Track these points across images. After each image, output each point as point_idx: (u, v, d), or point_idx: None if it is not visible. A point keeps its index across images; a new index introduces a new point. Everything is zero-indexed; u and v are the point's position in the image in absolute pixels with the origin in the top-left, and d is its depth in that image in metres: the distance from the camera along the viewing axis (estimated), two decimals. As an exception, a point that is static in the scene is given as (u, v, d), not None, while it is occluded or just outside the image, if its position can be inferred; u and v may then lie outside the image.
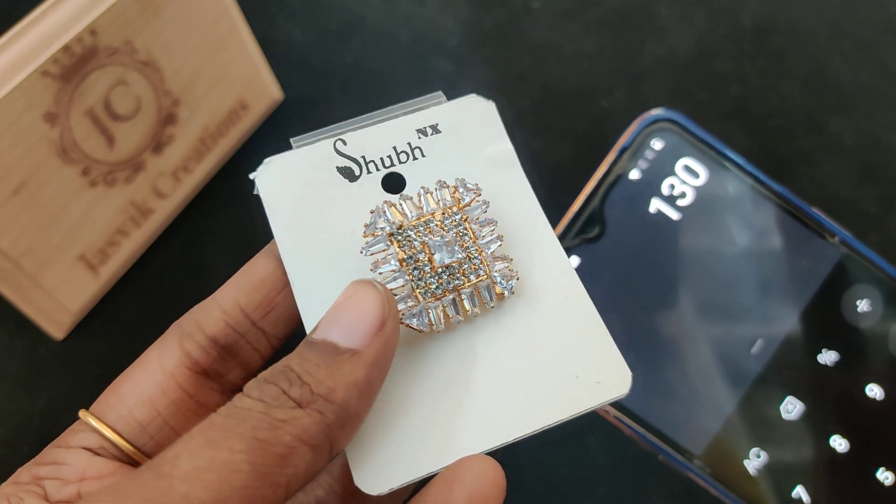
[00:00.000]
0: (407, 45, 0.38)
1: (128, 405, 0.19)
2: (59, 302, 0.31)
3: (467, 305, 0.19)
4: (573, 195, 0.35)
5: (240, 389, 0.18)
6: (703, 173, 0.24)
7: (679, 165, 0.24)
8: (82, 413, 0.20)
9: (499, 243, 0.20)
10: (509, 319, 0.20)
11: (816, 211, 0.24)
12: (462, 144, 0.21)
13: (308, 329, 0.19)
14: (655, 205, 0.24)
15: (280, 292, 0.21)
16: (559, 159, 0.35)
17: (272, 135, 0.36)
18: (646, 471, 0.31)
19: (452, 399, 0.19)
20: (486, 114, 0.22)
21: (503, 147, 0.22)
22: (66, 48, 0.27)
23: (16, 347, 0.33)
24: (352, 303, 0.17)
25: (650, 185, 0.24)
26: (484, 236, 0.20)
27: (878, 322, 0.23)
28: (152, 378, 0.20)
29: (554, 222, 0.29)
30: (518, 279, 0.20)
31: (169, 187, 0.33)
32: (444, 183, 0.20)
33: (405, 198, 0.20)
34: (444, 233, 0.19)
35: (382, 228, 0.19)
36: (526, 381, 0.19)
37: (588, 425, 0.31)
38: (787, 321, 0.23)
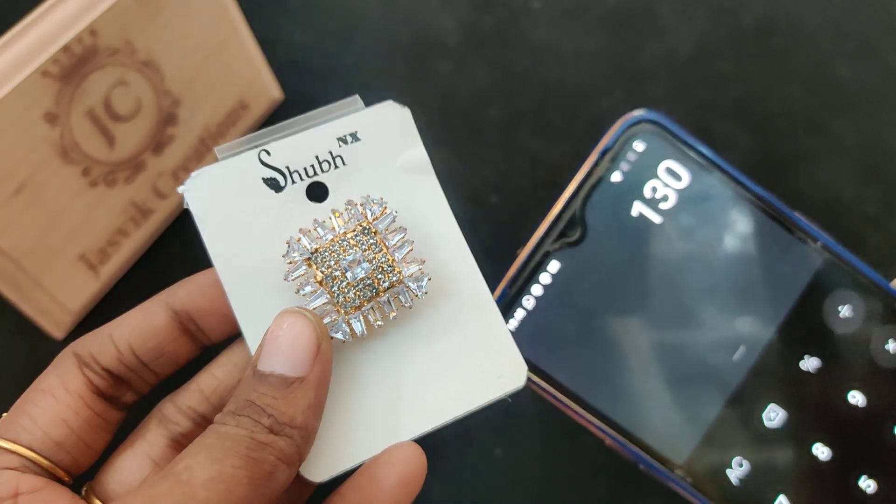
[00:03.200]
0: (407, 45, 0.38)
1: (41, 426, 0.22)
2: (59, 302, 0.31)
3: (386, 310, 0.21)
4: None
5: (129, 406, 0.23)
6: (686, 176, 0.23)
7: (661, 168, 0.23)
8: None
9: (409, 248, 0.21)
10: (424, 319, 0.22)
11: (799, 216, 0.23)
12: (380, 152, 0.23)
13: (250, 345, 0.21)
14: (637, 208, 0.23)
15: (173, 342, 0.23)
16: (559, 159, 0.35)
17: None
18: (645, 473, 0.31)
19: (378, 396, 0.21)
20: (403, 121, 0.23)
21: (418, 154, 0.23)
22: (66, 48, 0.27)
23: (16, 347, 0.33)
24: (287, 333, 0.20)
25: (632, 188, 0.23)
26: (395, 244, 0.21)
27: (859, 328, 0.23)
28: (62, 401, 0.22)
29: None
30: (430, 279, 0.21)
31: (169, 187, 0.33)
32: (352, 201, 0.21)
33: (317, 223, 0.21)
34: (357, 248, 0.21)
35: (301, 254, 0.21)
36: (439, 376, 0.21)
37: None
38: (769, 327, 0.23)
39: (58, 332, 0.32)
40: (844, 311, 0.23)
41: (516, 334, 0.23)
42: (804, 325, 0.23)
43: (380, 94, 0.37)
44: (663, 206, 0.23)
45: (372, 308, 0.21)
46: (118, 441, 0.24)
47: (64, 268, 0.31)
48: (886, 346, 0.23)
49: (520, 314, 0.23)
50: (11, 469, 0.21)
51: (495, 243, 0.34)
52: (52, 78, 0.28)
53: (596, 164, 0.23)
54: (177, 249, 0.34)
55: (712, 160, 0.23)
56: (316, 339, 0.20)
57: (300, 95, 0.37)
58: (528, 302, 0.24)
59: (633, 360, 0.23)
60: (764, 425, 0.23)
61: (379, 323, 0.21)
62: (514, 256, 0.29)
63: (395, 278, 0.21)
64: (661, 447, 0.23)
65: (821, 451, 0.23)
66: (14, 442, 0.21)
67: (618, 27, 0.38)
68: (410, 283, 0.21)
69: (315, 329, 0.20)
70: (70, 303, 0.32)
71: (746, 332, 0.23)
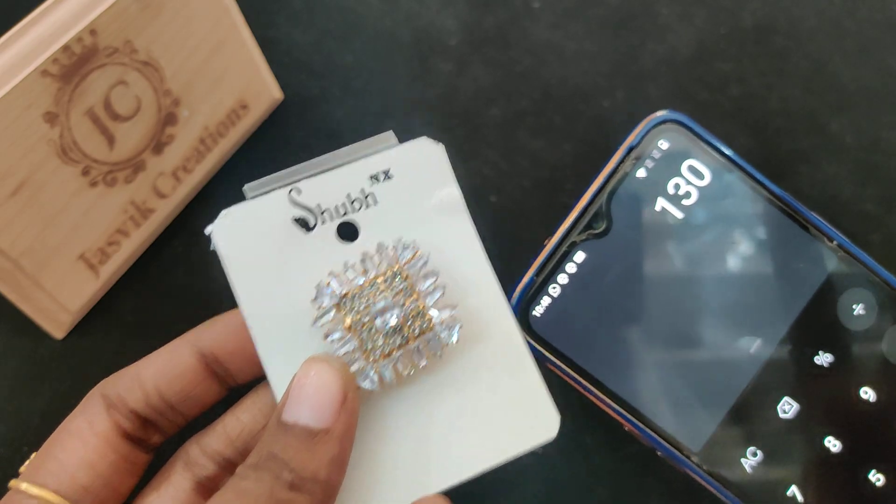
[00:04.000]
0: (407, 45, 0.38)
1: (69, 470, 0.21)
2: (58, 302, 0.31)
3: (416, 358, 0.20)
4: (573, 196, 0.35)
5: (155, 448, 0.22)
6: (708, 175, 0.24)
7: (684, 166, 0.24)
8: (14, 483, 0.21)
9: (440, 293, 0.20)
10: (454, 365, 0.21)
11: (816, 215, 0.24)
12: (413, 190, 0.22)
13: (276, 391, 0.21)
14: (661, 203, 0.24)
15: (200, 384, 0.23)
16: (559, 159, 0.35)
17: (272, 135, 0.36)
18: (645, 470, 0.31)
19: (405, 445, 0.20)
20: (436, 158, 0.22)
21: (451, 192, 0.22)
22: (65, 48, 0.27)
23: (16, 347, 0.33)
24: (313, 382, 0.19)
25: (656, 185, 0.24)
26: (426, 290, 0.20)
27: (872, 326, 0.23)
28: (89, 443, 0.22)
29: (554, 223, 0.29)
30: (462, 326, 0.20)
31: (169, 187, 0.33)
32: (383, 244, 0.21)
33: (347, 265, 0.21)
34: (387, 293, 0.20)
35: (330, 300, 0.20)
36: (469, 425, 0.20)
37: (587, 424, 0.31)
38: (785, 322, 0.23)
39: (57, 332, 0.32)
40: (858, 308, 0.23)
41: (543, 318, 0.23)
42: (819, 321, 0.23)
43: (380, 94, 0.37)
44: (685, 202, 0.24)
45: (402, 356, 0.20)
46: (144, 482, 0.24)
47: (63, 268, 0.31)
48: None
49: (545, 301, 0.24)
50: None
51: (495, 243, 0.34)
52: (51, 77, 0.27)
53: (622, 161, 0.24)
54: (177, 249, 0.34)
55: (733, 160, 0.24)
56: (342, 388, 0.19)
57: (300, 95, 0.37)
58: (554, 290, 0.24)
59: (654, 349, 0.24)
60: (778, 417, 0.23)
61: (409, 372, 0.20)
62: (516, 254, 0.29)
63: (425, 325, 0.20)
64: (678, 434, 0.23)
65: (832, 444, 0.23)
66: (42, 486, 0.21)
67: (618, 27, 0.38)
68: (441, 331, 0.20)
69: (342, 378, 0.19)
70: (70, 303, 0.32)
71: (763, 326, 0.23)
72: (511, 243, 0.34)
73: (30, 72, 0.27)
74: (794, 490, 0.23)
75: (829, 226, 0.24)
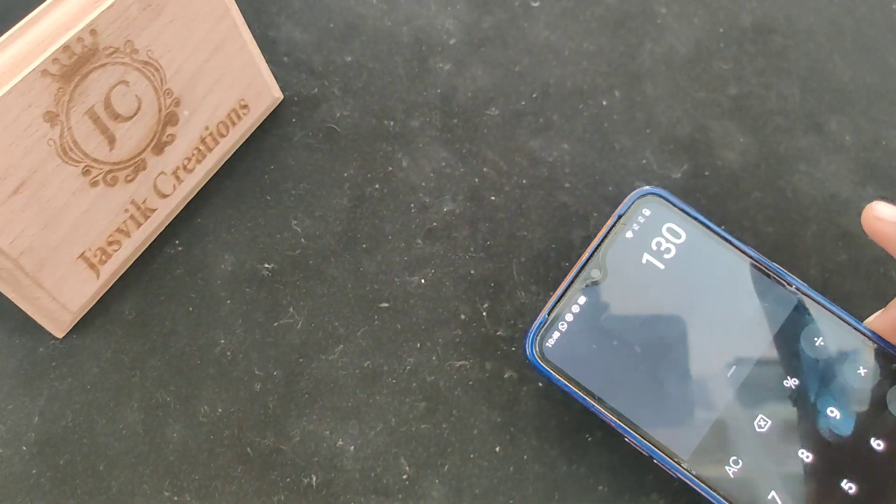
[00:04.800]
0: (407, 45, 0.38)
1: None
2: (59, 301, 0.31)
3: None
4: (573, 195, 0.35)
5: None
6: (684, 234, 0.30)
7: (664, 228, 0.30)
8: None
9: None
10: None
11: (777, 265, 0.29)
12: None
13: None
14: (646, 257, 0.30)
15: None
16: (558, 158, 0.35)
17: (272, 134, 0.37)
18: (645, 469, 0.31)
19: None
20: None
21: None
22: (66, 48, 0.27)
23: (16, 346, 0.33)
24: None
25: (642, 242, 0.30)
26: None
27: (832, 355, 0.28)
28: None
29: (553, 221, 0.29)
30: None
31: (169, 187, 0.33)
32: None
33: None
34: None
35: None
36: None
37: (587, 423, 0.31)
38: (756, 352, 0.28)
39: (58, 332, 0.32)
40: (818, 340, 0.28)
41: (554, 349, 0.29)
42: (785, 351, 0.28)
43: (380, 94, 0.37)
44: (666, 256, 0.30)
45: None
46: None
47: (64, 267, 0.31)
48: (858, 371, 0.27)
49: (556, 335, 0.29)
50: None
51: (495, 243, 0.34)
52: (51, 77, 0.28)
53: (613, 225, 0.30)
54: (177, 248, 0.34)
55: (703, 223, 0.30)
56: None
57: (300, 95, 0.37)
58: (563, 326, 0.29)
59: (647, 373, 0.28)
60: (755, 431, 0.27)
61: None
62: (516, 254, 0.31)
63: None
64: (670, 444, 0.28)
65: (805, 456, 0.27)
66: None
67: (617, 26, 0.38)
68: None
69: None
70: (70, 302, 0.32)
71: (738, 354, 0.28)
72: (510, 241, 0.34)
73: (30, 71, 0.27)
74: (773, 495, 0.26)
75: (787, 273, 0.29)
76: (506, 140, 0.36)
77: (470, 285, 0.33)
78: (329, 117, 0.37)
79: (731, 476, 0.27)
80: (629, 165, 0.35)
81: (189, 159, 0.34)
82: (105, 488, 0.31)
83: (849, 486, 0.26)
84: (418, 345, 0.33)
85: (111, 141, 0.31)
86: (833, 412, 0.27)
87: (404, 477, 0.31)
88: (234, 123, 0.35)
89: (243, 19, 0.34)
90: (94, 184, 0.31)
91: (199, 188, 0.35)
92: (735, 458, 0.27)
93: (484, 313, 0.33)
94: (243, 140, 0.36)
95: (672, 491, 0.30)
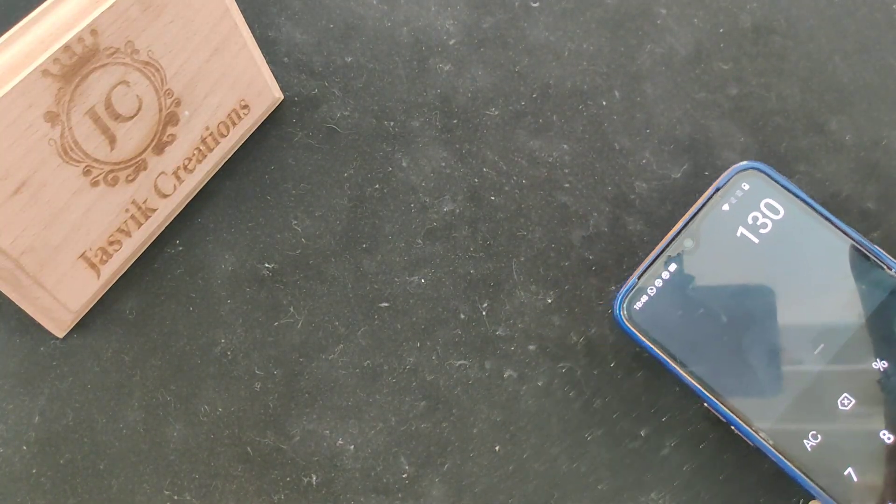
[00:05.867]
0: (407, 45, 0.38)
1: None
2: (59, 301, 0.31)
3: None
4: (573, 195, 0.35)
5: None
6: (782, 211, 0.30)
7: (762, 203, 0.30)
8: None
9: None
10: None
11: (876, 247, 0.29)
12: None
13: None
14: (741, 230, 0.30)
15: None
16: (558, 158, 0.36)
17: (272, 135, 0.37)
18: (645, 467, 0.31)
19: None
20: None
21: None
22: (66, 48, 0.28)
23: (17, 346, 0.33)
24: None
25: (738, 215, 0.30)
26: None
27: None
28: None
29: (553, 221, 0.29)
30: None
31: (170, 187, 0.34)
32: None
33: None
34: None
35: None
36: None
37: (588, 422, 0.31)
38: (847, 332, 0.28)
39: (58, 332, 0.32)
40: None
41: (641, 312, 0.30)
42: (877, 333, 0.28)
43: (380, 94, 0.37)
44: (762, 231, 0.30)
45: None
46: None
47: (64, 267, 0.31)
48: None
49: (643, 298, 0.30)
50: None
51: (495, 243, 0.34)
52: (52, 77, 0.28)
53: (710, 197, 0.31)
54: (178, 248, 0.35)
55: (806, 201, 0.30)
56: None
57: (300, 95, 0.37)
58: (651, 291, 0.30)
59: (731, 343, 0.29)
60: (838, 408, 0.28)
61: None
62: (515, 253, 0.32)
63: None
64: (749, 413, 0.28)
65: (887, 437, 0.27)
66: None
67: (617, 27, 0.38)
68: None
69: None
70: (71, 302, 0.32)
71: (827, 333, 0.28)
72: (510, 241, 0.34)
73: (30, 71, 0.27)
74: (850, 471, 0.27)
75: (887, 256, 0.29)
76: (505, 140, 0.36)
77: (470, 285, 0.33)
78: (329, 117, 0.37)
79: (809, 449, 0.27)
80: (629, 166, 0.35)
81: (189, 159, 0.34)
82: (105, 487, 0.31)
83: None
84: (418, 344, 0.33)
85: (112, 141, 0.31)
86: None
87: (404, 476, 0.31)
88: (234, 124, 0.35)
89: (243, 19, 0.34)
90: (95, 184, 0.31)
91: (200, 188, 0.35)
92: (814, 432, 0.28)
93: (484, 313, 0.33)
94: (244, 140, 0.36)
95: (672, 490, 0.30)
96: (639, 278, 0.30)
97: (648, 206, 0.35)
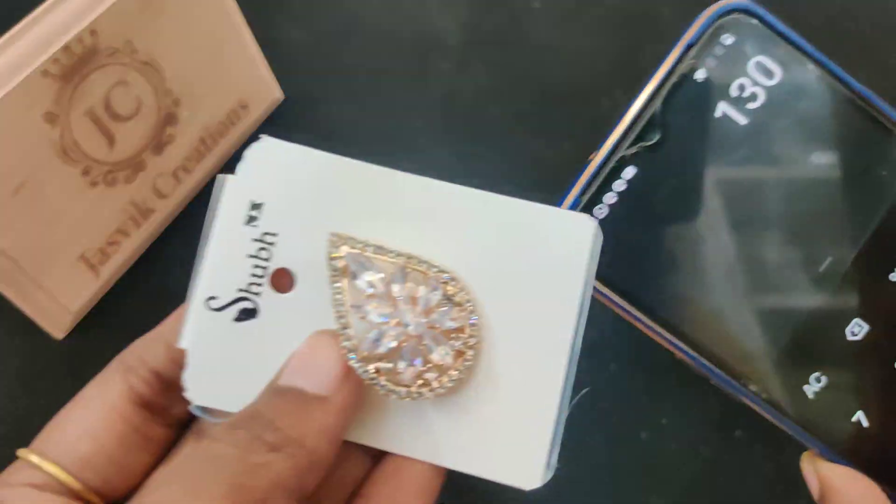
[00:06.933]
0: (407, 45, 0.38)
1: (70, 440, 0.19)
2: (59, 302, 0.31)
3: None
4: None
5: (186, 424, 0.19)
6: (778, 72, 0.21)
7: (751, 64, 0.21)
8: (21, 452, 0.19)
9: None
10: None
11: None
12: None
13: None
14: (722, 108, 0.21)
15: None
16: (559, 159, 0.35)
17: (272, 135, 0.36)
18: (646, 470, 0.31)
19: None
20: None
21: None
22: (66, 48, 0.27)
23: (16, 347, 0.33)
24: (316, 351, 0.18)
25: (717, 87, 0.21)
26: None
27: None
28: (95, 412, 0.20)
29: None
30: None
31: (169, 187, 0.33)
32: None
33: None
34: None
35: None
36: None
37: (588, 423, 0.31)
38: (860, 238, 0.21)
39: (58, 333, 0.32)
40: None
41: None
42: None
43: (380, 94, 0.37)
44: (751, 105, 0.21)
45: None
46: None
47: (64, 268, 0.31)
48: None
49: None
50: (31, 486, 0.19)
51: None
52: (52, 78, 0.27)
53: (678, 61, 0.21)
54: (177, 249, 0.34)
55: (809, 53, 0.21)
56: (346, 361, 0.18)
57: (300, 95, 0.37)
58: (601, 211, 0.22)
59: (712, 271, 0.22)
60: (846, 340, 0.21)
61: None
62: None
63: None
64: (735, 362, 0.21)
65: None
66: (40, 455, 0.19)
67: (618, 27, 0.38)
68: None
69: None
70: (70, 303, 0.32)
71: (835, 242, 0.21)
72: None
73: (30, 72, 0.27)
74: (859, 415, 0.21)
75: None
76: (506, 141, 0.36)
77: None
78: (329, 117, 0.36)
79: (811, 396, 0.21)
80: (630, 166, 0.35)
81: (189, 160, 0.34)
82: (105, 489, 0.31)
83: None
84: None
85: (111, 141, 0.31)
86: None
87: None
88: (233, 124, 0.35)
89: (243, 19, 0.34)
90: (94, 184, 0.31)
91: (200, 189, 0.35)
92: (818, 374, 0.22)
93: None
94: (243, 140, 0.36)
95: (672, 493, 0.30)
96: (582, 195, 0.22)
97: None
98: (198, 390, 0.20)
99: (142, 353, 0.21)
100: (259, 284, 0.21)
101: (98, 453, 0.19)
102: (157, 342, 0.21)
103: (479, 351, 0.20)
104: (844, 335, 0.21)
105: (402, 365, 0.19)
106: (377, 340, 0.19)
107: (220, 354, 0.20)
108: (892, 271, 0.21)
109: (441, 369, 0.20)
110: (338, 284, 0.20)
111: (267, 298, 0.21)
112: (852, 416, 0.21)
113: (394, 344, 0.19)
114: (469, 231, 0.21)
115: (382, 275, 0.20)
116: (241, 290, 0.21)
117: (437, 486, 0.20)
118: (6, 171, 0.28)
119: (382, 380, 0.19)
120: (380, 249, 0.20)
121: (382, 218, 0.21)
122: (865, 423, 0.21)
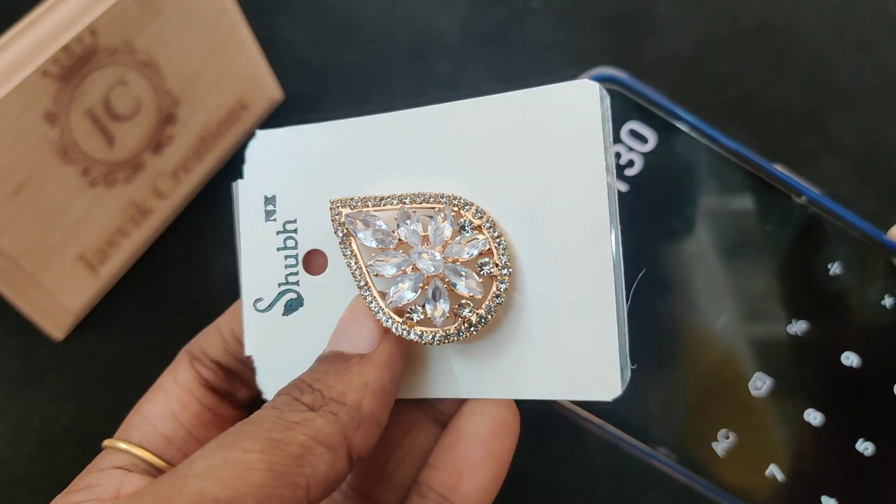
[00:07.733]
0: (407, 45, 0.38)
1: (151, 421, 0.20)
2: (59, 302, 0.31)
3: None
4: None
5: (256, 405, 0.18)
6: (652, 138, 0.21)
7: (624, 131, 0.21)
8: (107, 442, 0.20)
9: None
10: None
11: (780, 169, 0.22)
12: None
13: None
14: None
15: None
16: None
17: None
18: (645, 470, 0.31)
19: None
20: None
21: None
22: (66, 48, 0.27)
23: (16, 347, 0.33)
24: (352, 314, 0.18)
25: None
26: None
27: (851, 285, 0.21)
28: (171, 394, 0.21)
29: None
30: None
31: (169, 187, 0.33)
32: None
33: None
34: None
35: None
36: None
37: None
38: (753, 292, 0.21)
39: (57, 332, 0.32)
40: (834, 268, 0.21)
41: None
42: (791, 287, 0.21)
43: (380, 94, 0.37)
44: (629, 172, 0.21)
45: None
46: None
47: (63, 268, 0.31)
48: (882, 302, 0.21)
49: None
50: (120, 468, 0.20)
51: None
52: (51, 78, 0.27)
53: None
54: (177, 249, 0.34)
55: (681, 116, 0.21)
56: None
57: (300, 95, 0.37)
58: None
59: None
60: (750, 395, 0.21)
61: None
62: None
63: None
64: (642, 426, 0.21)
65: (813, 417, 0.21)
66: (125, 440, 0.20)
67: (618, 27, 0.38)
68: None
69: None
70: (70, 303, 0.32)
71: (729, 299, 0.21)
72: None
73: (30, 72, 0.27)
74: (773, 469, 0.21)
75: (796, 179, 0.22)
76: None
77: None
78: (329, 117, 0.36)
79: (720, 454, 0.21)
80: (630, 166, 0.35)
81: (188, 160, 0.34)
82: (105, 489, 0.31)
83: (864, 447, 0.21)
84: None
85: (111, 141, 0.31)
86: (850, 359, 0.21)
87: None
88: (233, 123, 0.35)
89: (243, 18, 0.34)
90: (94, 184, 0.30)
91: (199, 189, 0.35)
92: (725, 431, 0.21)
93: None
94: (243, 140, 0.36)
95: (672, 493, 0.30)
96: None
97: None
98: (273, 389, 0.21)
99: (202, 344, 0.22)
100: (295, 273, 0.21)
101: (179, 431, 0.21)
102: (215, 335, 0.22)
103: (515, 268, 0.19)
104: (748, 390, 0.21)
105: (429, 309, 0.18)
106: (397, 293, 0.18)
107: (280, 351, 0.21)
108: (790, 323, 0.21)
109: (474, 301, 0.18)
110: (347, 250, 0.19)
111: (306, 284, 0.21)
112: (765, 470, 0.21)
113: (413, 294, 0.18)
114: (472, 142, 0.20)
115: (385, 226, 0.19)
116: (281, 284, 0.21)
117: (515, 425, 0.20)
118: (6, 171, 0.28)
119: (417, 329, 0.18)
120: (380, 200, 0.19)
121: (387, 166, 0.21)
122: (780, 477, 0.21)
